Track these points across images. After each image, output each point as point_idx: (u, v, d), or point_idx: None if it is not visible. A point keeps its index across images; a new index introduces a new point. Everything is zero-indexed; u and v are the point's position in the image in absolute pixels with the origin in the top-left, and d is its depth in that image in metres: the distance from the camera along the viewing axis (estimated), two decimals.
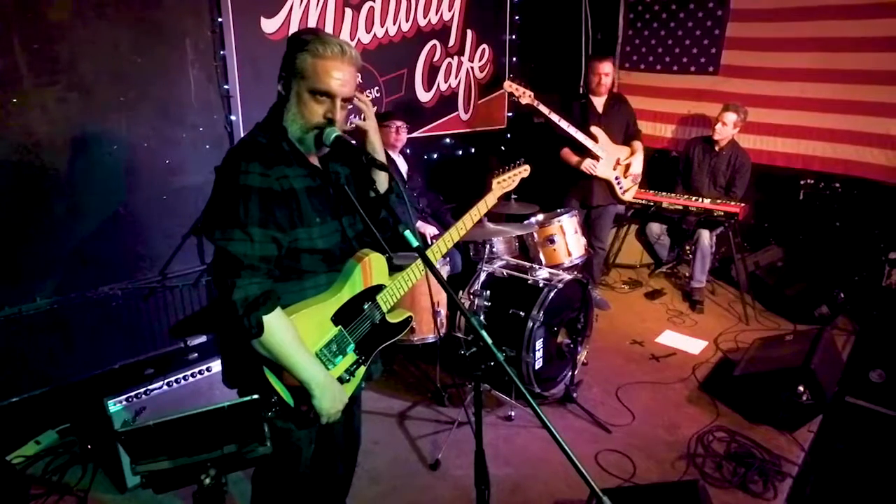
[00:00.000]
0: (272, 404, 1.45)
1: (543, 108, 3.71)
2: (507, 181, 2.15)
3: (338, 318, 1.57)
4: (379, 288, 1.69)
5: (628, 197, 4.22)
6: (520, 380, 2.99)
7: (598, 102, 4.05)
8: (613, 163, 4.02)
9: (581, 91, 4.07)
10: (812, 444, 2.81)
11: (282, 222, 1.44)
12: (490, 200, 2.08)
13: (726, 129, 4.29)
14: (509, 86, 3.64)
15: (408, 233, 1.52)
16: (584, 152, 3.94)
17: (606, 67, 3.95)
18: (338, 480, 2.00)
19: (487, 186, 2.11)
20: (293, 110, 1.48)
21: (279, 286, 1.47)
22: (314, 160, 1.56)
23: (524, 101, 3.67)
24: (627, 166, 4.09)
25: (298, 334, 1.45)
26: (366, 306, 1.65)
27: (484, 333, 1.32)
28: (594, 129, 3.90)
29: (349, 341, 1.61)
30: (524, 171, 2.23)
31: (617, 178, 4.07)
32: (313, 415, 1.51)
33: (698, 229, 4.30)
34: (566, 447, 1.17)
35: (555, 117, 3.73)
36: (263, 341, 1.39)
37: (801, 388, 2.81)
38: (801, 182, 4.53)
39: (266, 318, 1.38)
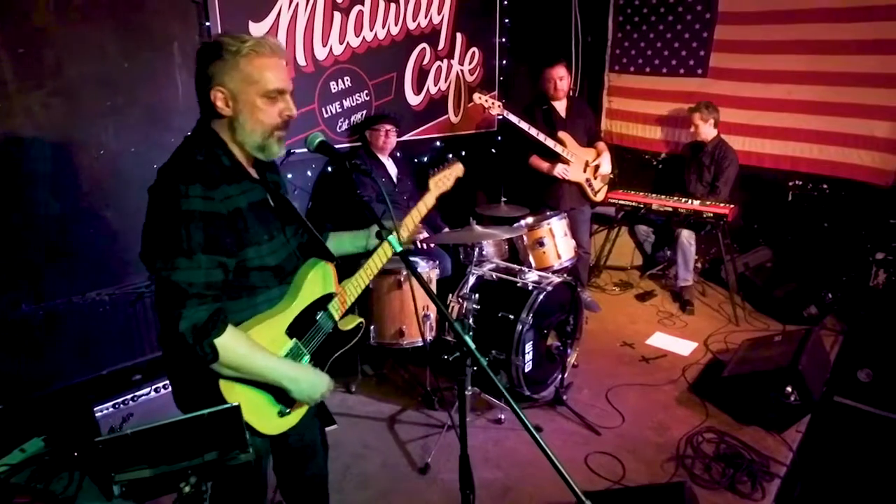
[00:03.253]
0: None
1: (513, 118, 3.70)
2: (441, 181, 2.15)
3: (292, 331, 1.55)
4: (330, 296, 1.67)
5: (599, 197, 4.25)
6: (509, 382, 3.01)
7: (560, 107, 4.06)
8: (583, 166, 4.05)
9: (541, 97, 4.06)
10: (800, 444, 2.83)
11: (229, 246, 1.37)
12: (429, 201, 2.09)
13: (703, 129, 4.35)
14: (479, 98, 3.60)
15: (392, 238, 1.53)
16: (554, 158, 3.95)
17: (560, 72, 3.95)
18: (310, 489, 1.94)
19: (427, 187, 2.11)
20: (248, 119, 1.42)
21: (231, 304, 1.42)
22: (252, 172, 1.52)
23: (494, 111, 3.65)
24: (596, 168, 4.11)
25: (253, 341, 1.42)
26: (318, 316, 1.63)
27: (467, 338, 1.32)
28: (561, 135, 3.91)
29: (304, 353, 1.59)
30: (458, 170, 2.23)
31: (588, 181, 4.09)
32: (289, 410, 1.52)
33: (677, 228, 4.32)
34: (547, 449, 1.17)
35: (524, 125, 3.73)
36: (222, 362, 1.35)
37: (789, 389, 2.82)
38: (790, 183, 4.56)
39: (218, 342, 1.33)
